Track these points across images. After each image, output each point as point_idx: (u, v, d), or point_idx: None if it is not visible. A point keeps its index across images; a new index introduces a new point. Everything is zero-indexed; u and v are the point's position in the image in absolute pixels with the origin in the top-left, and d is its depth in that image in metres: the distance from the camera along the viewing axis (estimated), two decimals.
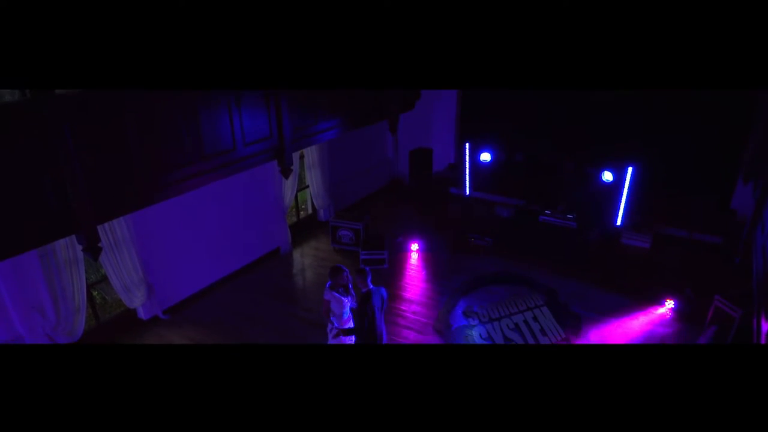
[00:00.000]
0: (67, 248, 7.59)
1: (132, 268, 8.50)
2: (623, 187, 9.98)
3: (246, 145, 7.77)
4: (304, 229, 12.77)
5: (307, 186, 12.66)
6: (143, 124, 6.15)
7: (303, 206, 13.25)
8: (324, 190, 12.63)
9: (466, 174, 11.73)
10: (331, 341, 7.48)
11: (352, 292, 7.12)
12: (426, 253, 11.65)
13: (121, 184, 6.20)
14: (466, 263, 11.11)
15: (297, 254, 11.84)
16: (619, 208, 10.20)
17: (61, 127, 5.25)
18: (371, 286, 6.84)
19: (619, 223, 10.41)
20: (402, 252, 11.66)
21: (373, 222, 12.51)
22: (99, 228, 7.76)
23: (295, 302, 10.02)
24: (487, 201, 13.78)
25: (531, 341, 8.59)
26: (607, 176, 10.12)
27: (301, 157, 12.07)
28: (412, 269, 11.07)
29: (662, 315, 9.33)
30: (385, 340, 7.18)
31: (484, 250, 11.51)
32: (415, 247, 11.64)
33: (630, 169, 9.89)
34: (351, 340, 7.38)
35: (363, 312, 6.78)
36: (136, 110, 6.02)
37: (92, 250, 6.12)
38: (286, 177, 8.81)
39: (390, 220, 13.22)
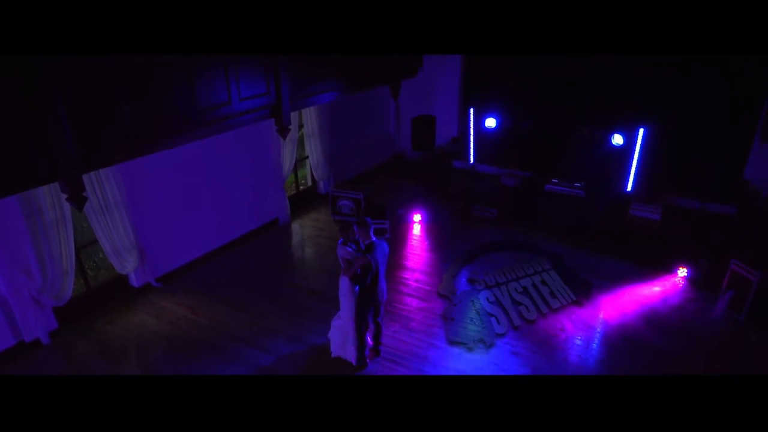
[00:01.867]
0: (55, 208, 7.24)
1: (123, 232, 8.14)
2: (634, 150, 9.58)
3: (242, 99, 7.41)
4: (304, 201, 12.40)
5: (307, 157, 12.29)
6: (134, 72, 5.80)
7: (303, 181, 12.88)
8: (324, 161, 12.26)
9: (470, 141, 11.32)
10: (333, 329, 7.17)
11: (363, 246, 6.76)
12: (428, 224, 11.29)
13: (108, 132, 5.86)
14: (470, 234, 10.75)
15: (296, 225, 11.48)
16: (629, 173, 9.79)
17: (46, 69, 4.90)
18: (373, 238, 6.51)
19: (629, 188, 10.00)
20: (404, 224, 11.30)
21: (374, 194, 12.15)
22: (88, 188, 7.46)
23: (293, 271, 9.68)
24: (492, 174, 13.40)
25: (541, 304, 8.24)
26: (618, 140, 9.73)
27: (301, 126, 11.70)
28: (414, 239, 10.72)
29: (675, 283, 8.98)
30: (385, 298, 6.85)
31: (489, 222, 11.15)
32: (417, 218, 11.28)
33: (641, 131, 9.49)
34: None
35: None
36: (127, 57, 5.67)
37: (77, 200, 5.78)
38: (284, 137, 8.46)
39: (391, 194, 12.85)
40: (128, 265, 8.42)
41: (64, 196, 5.84)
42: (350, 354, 7.05)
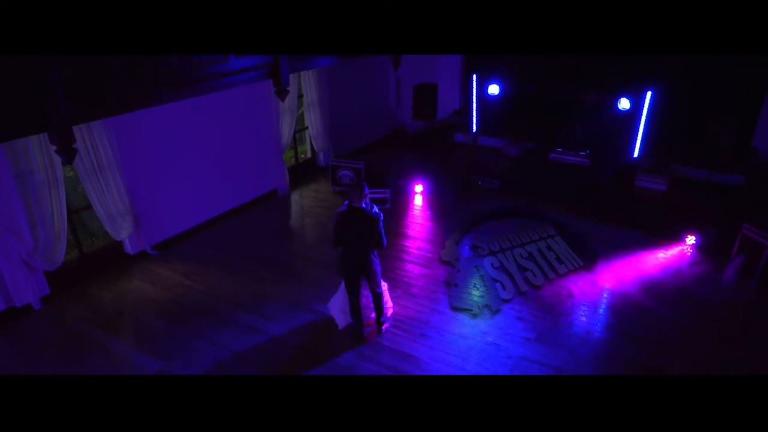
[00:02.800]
0: (46, 169, 7.00)
1: (117, 195, 7.91)
2: (641, 114, 9.31)
3: (238, 56, 7.17)
4: (303, 173, 12.16)
5: (306, 128, 12.03)
6: None
7: (302, 156, 12.63)
8: (323, 131, 12.00)
9: (473, 109, 11.04)
10: (336, 297, 6.99)
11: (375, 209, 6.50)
12: (430, 195, 11.06)
13: (98, 83, 5.62)
14: (473, 204, 10.52)
15: (295, 196, 11.25)
16: (636, 139, 9.53)
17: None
18: (363, 205, 6.20)
19: (636, 154, 9.74)
20: (404, 194, 11.07)
21: (375, 165, 11.91)
22: (81, 149, 7.22)
23: (292, 240, 9.47)
24: (494, 148, 13.15)
25: (547, 269, 8.03)
26: (624, 104, 9.47)
27: (300, 96, 11.44)
28: (415, 209, 10.49)
29: (683, 251, 8.77)
30: (375, 268, 6.57)
31: (492, 192, 10.92)
32: (418, 188, 11.05)
33: (649, 94, 9.23)
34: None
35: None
36: None
37: (66, 152, 5.54)
38: (282, 99, 8.21)
39: (392, 166, 12.61)
40: (123, 231, 8.19)
41: (53, 148, 5.61)
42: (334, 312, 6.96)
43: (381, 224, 6.26)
